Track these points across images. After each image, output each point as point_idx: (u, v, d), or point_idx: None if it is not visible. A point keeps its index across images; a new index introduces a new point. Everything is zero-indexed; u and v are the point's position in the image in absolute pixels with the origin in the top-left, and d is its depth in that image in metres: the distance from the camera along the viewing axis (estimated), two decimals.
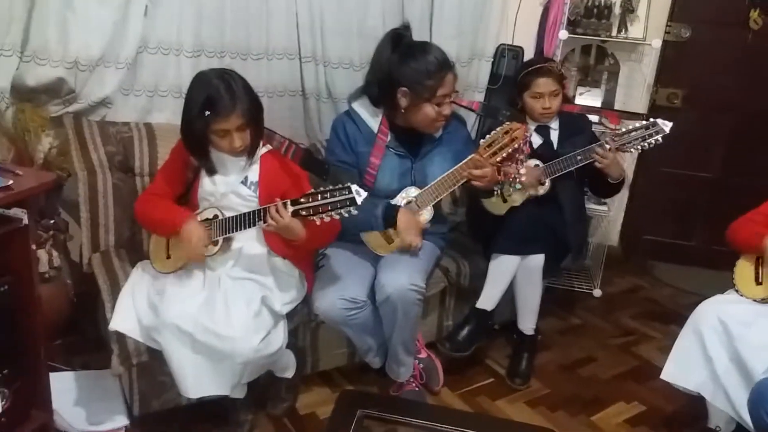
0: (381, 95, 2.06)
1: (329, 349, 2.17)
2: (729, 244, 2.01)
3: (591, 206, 3.00)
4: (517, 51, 2.99)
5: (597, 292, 3.06)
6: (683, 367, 1.89)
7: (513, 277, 2.25)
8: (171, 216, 1.78)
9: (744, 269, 1.96)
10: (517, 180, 2.16)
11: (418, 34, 2.77)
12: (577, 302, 2.99)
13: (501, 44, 3.00)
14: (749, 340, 1.74)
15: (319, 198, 1.62)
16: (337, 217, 1.62)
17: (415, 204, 2.07)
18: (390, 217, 1.98)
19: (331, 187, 1.63)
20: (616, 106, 3.11)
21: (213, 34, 2.40)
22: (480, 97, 3.04)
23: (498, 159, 2.02)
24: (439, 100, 1.99)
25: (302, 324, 2.03)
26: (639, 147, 2.14)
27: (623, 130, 2.15)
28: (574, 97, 3.00)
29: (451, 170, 2.06)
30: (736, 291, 1.93)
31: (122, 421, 1.88)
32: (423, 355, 2.21)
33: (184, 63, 2.36)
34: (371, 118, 2.10)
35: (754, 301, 1.87)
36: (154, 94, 2.37)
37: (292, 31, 2.56)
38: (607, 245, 3.21)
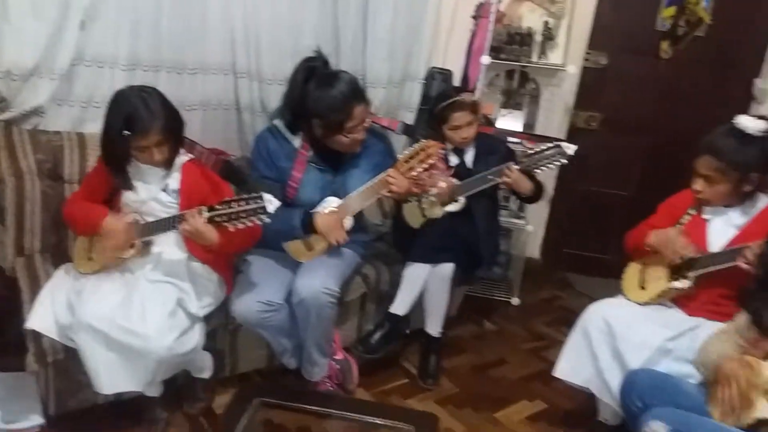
0: (295, 122, 2.17)
1: (248, 351, 2.26)
2: (625, 250, 2.21)
3: (510, 220, 3.20)
4: (446, 74, 3.16)
5: (515, 301, 3.24)
6: (573, 364, 2.06)
7: (424, 285, 2.40)
8: (94, 213, 1.87)
9: (631, 275, 2.16)
10: (433, 192, 2.32)
11: (351, 56, 2.95)
12: (496, 310, 3.16)
13: (432, 67, 3.17)
14: (629, 339, 1.91)
15: (233, 206, 1.74)
16: (250, 224, 1.74)
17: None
18: (308, 223, 2.10)
19: (244, 195, 1.75)
20: (538, 128, 3.31)
21: (149, 49, 2.48)
22: (411, 116, 3.21)
23: (414, 173, 2.17)
24: (349, 130, 2.10)
25: (221, 327, 2.13)
26: (545, 167, 2.31)
27: (530, 152, 2.33)
28: (496, 119, 3.19)
29: (370, 183, 2.19)
30: (623, 295, 2.12)
31: (37, 420, 1.92)
32: (339, 356, 2.32)
33: (119, 76, 2.43)
34: (292, 135, 2.21)
35: (638, 304, 2.06)
36: (88, 105, 2.44)
37: (228, 48, 2.68)
38: (527, 258, 3.41)
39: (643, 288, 2.09)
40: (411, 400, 2.33)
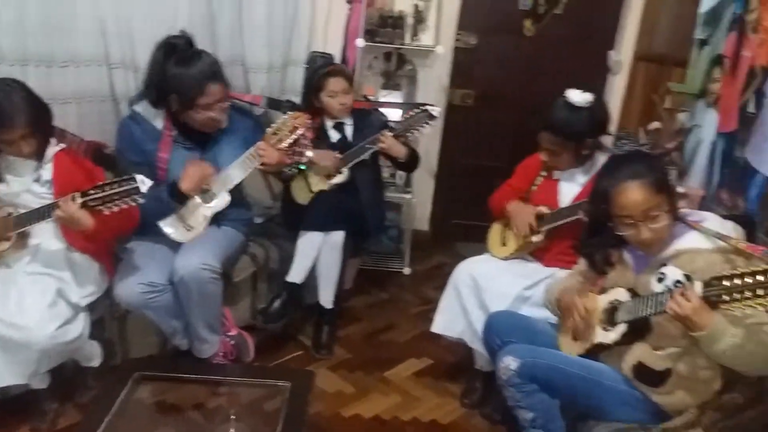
0: (157, 98, 2.20)
1: (139, 338, 2.29)
2: (490, 211, 2.43)
3: (397, 195, 3.38)
4: (327, 57, 3.25)
5: (407, 270, 3.43)
6: (447, 319, 2.26)
7: (318, 254, 2.51)
8: None
9: (494, 234, 2.38)
10: (304, 162, 2.42)
11: (230, 44, 2.99)
12: (388, 280, 3.33)
13: (312, 51, 3.27)
14: (493, 290, 2.13)
15: (106, 189, 1.77)
16: (125, 206, 1.78)
17: (210, 191, 2.24)
18: (177, 192, 2.13)
19: (116, 179, 1.78)
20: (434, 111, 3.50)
21: (13, 43, 2.42)
22: (298, 100, 3.29)
23: (283, 145, 2.26)
24: (204, 107, 2.14)
25: (107, 315, 2.15)
26: (416, 131, 2.52)
27: (401, 119, 2.50)
28: (377, 100, 3.34)
29: (241, 157, 2.26)
30: (489, 252, 2.34)
31: None
32: (233, 332, 2.39)
33: None
34: (154, 117, 2.23)
35: (500, 259, 2.28)
36: None
37: (99, 39, 2.65)
38: (417, 230, 3.61)
39: (504, 245, 2.31)
40: (306, 368, 2.44)
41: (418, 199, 3.51)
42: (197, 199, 2.24)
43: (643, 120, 3.12)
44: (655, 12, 3.35)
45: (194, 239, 2.21)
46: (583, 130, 2.09)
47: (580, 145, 2.12)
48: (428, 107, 2.48)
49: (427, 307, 3.04)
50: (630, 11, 3.48)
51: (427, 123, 2.48)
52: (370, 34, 3.16)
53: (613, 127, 3.51)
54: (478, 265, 2.24)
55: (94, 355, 2.11)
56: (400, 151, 2.53)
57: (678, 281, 1.51)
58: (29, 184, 1.94)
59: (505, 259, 2.27)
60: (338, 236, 2.49)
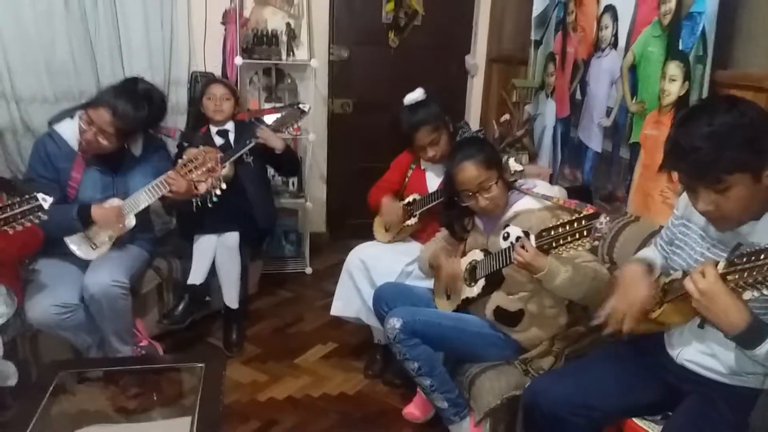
0: None
1: (52, 355, 2.35)
2: (369, 205, 2.72)
3: (291, 200, 3.62)
4: (208, 76, 3.45)
5: (308, 270, 3.67)
6: (344, 301, 2.53)
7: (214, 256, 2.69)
8: None
9: (378, 222, 2.68)
10: (216, 193, 2.60)
11: (111, 70, 3.11)
12: (292, 281, 3.55)
13: (194, 71, 3.45)
14: (380, 270, 2.42)
15: (8, 210, 1.87)
16: (28, 224, 1.88)
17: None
18: (86, 216, 2.26)
19: (18, 198, 1.89)
20: (302, 119, 3.74)
21: None
22: (183, 119, 3.45)
23: (193, 176, 2.43)
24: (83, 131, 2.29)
25: (19, 336, 2.22)
26: (290, 126, 2.80)
27: (276, 116, 2.77)
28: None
29: (151, 183, 2.41)
30: (375, 239, 2.63)
31: None
32: (144, 343, 2.52)
33: None
34: (73, 138, 2.35)
35: (384, 243, 2.58)
36: None
37: None
38: (316, 233, 3.88)
39: (387, 230, 2.61)
40: None
41: (313, 203, 3.75)
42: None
43: (499, 114, 3.55)
44: (500, 18, 3.82)
45: (100, 258, 2.33)
46: (441, 112, 2.43)
47: (446, 126, 2.46)
48: (299, 104, 2.77)
49: (330, 300, 3.23)
50: (480, 19, 3.93)
51: (300, 118, 2.76)
52: (247, 52, 3.38)
53: (475, 122, 3.98)
54: (365, 249, 2.53)
55: (9, 375, 2.15)
56: (276, 142, 2.74)
57: (518, 237, 1.86)
58: None
59: (389, 242, 2.58)
60: (232, 237, 2.67)
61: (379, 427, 2.27)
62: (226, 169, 2.68)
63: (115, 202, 2.38)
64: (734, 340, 1.30)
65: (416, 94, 2.50)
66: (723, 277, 1.26)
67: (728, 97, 1.68)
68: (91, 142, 2.28)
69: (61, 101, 2.94)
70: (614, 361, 1.64)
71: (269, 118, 2.93)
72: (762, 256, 1.20)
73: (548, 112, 3.17)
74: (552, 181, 3.06)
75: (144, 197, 2.39)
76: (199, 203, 2.60)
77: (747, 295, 1.24)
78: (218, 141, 2.83)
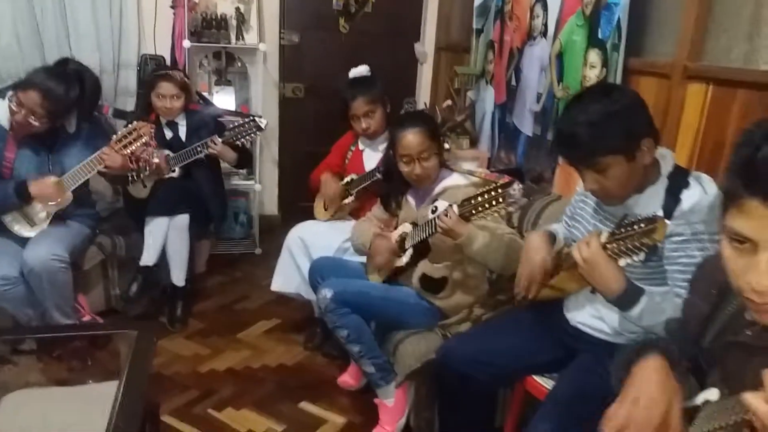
0: None
1: None
2: (310, 186, 2.81)
3: (241, 182, 3.69)
4: (158, 59, 3.49)
5: (258, 251, 3.74)
6: (284, 278, 2.61)
7: (165, 236, 2.76)
8: None
9: (318, 202, 2.78)
10: (151, 167, 2.66)
11: (57, 51, 3.12)
12: (242, 261, 3.63)
13: (144, 54, 3.48)
14: (318, 246, 2.51)
15: None
16: None
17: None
18: (23, 191, 2.31)
19: None
20: (253, 102, 3.82)
21: None
22: (132, 101, 3.48)
23: (128, 151, 2.49)
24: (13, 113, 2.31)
25: None
26: (245, 139, 2.79)
27: (231, 126, 2.80)
28: (211, 96, 3.61)
29: (87, 160, 2.46)
30: (315, 217, 2.73)
31: None
32: (87, 318, 2.58)
33: None
34: (4, 118, 2.36)
35: (323, 221, 2.68)
36: None
37: None
38: (267, 215, 3.96)
39: (326, 209, 2.71)
40: (162, 340, 2.67)
41: (265, 186, 3.82)
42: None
43: (446, 100, 3.67)
44: (449, 7, 3.93)
45: (39, 234, 2.38)
46: (377, 89, 2.55)
47: (383, 101, 2.57)
48: (256, 118, 2.77)
49: None
50: (429, 8, 4.04)
51: (255, 133, 2.79)
52: (196, 36, 3.42)
53: (425, 108, 4.09)
54: (305, 228, 2.62)
55: None
56: (230, 156, 2.84)
57: (445, 210, 1.98)
58: None
59: (327, 220, 2.68)
60: (183, 219, 2.75)
61: (314, 395, 2.37)
62: (174, 173, 2.75)
63: (52, 178, 2.41)
64: (613, 303, 1.43)
65: (361, 69, 2.63)
66: (604, 246, 1.39)
67: (605, 85, 1.82)
68: (22, 124, 2.30)
69: (6, 82, 2.95)
70: (516, 324, 1.77)
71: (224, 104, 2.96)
72: (635, 227, 1.33)
73: (488, 99, 3.30)
74: (489, 164, 3.20)
75: (80, 173, 2.44)
76: (135, 177, 2.66)
77: (622, 262, 1.37)
78: (168, 134, 2.88)
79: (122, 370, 1.68)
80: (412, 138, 2.01)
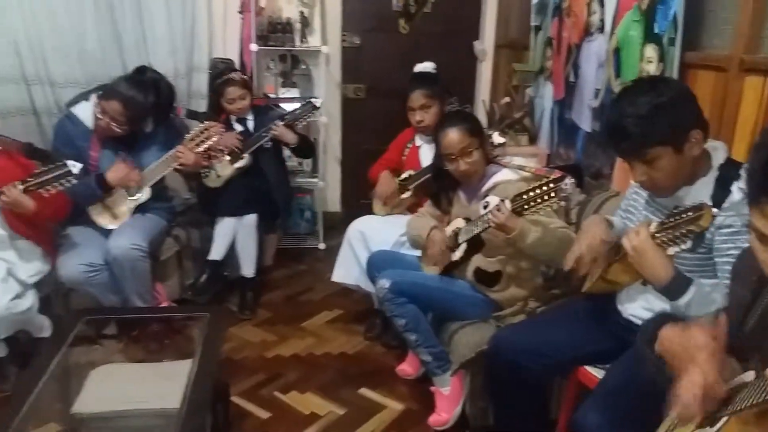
0: None
1: None
2: (370, 182, 2.92)
3: (305, 180, 3.84)
4: (228, 62, 3.67)
5: (321, 245, 3.89)
6: (344, 269, 2.74)
7: (234, 234, 2.94)
8: None
9: (377, 198, 2.88)
10: (220, 163, 2.84)
11: (136, 56, 3.34)
12: (306, 255, 3.80)
13: (214, 58, 3.68)
14: (376, 240, 2.62)
15: (42, 175, 2.14)
16: (61, 187, 2.16)
17: (135, 187, 2.64)
18: (101, 181, 2.53)
19: (51, 165, 2.16)
20: (316, 104, 3.95)
21: None
22: (204, 103, 3.69)
23: (200, 149, 2.67)
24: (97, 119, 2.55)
25: (52, 293, 2.49)
26: (304, 120, 2.99)
27: (290, 111, 2.97)
28: (277, 97, 3.78)
29: (162, 158, 2.66)
30: (374, 212, 2.84)
31: None
32: (164, 304, 2.78)
33: None
34: (88, 119, 2.61)
35: (382, 216, 2.78)
36: None
37: (14, 57, 2.97)
38: (330, 211, 4.13)
39: (384, 204, 2.81)
40: (233, 328, 2.86)
41: (328, 183, 3.96)
42: (123, 192, 2.63)
43: (504, 97, 3.70)
44: (507, 5, 3.96)
45: (121, 225, 2.59)
46: (438, 86, 2.65)
47: (442, 99, 2.65)
48: (312, 100, 2.98)
49: None
50: (488, 6, 4.07)
51: (312, 112, 2.96)
52: (263, 39, 3.60)
53: (483, 105, 4.13)
54: (364, 222, 2.74)
55: (44, 327, 2.43)
56: (290, 137, 2.99)
57: (497, 205, 2.04)
58: None
59: (386, 215, 2.78)
60: (251, 218, 2.94)
61: (374, 382, 2.48)
62: (244, 161, 2.92)
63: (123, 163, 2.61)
64: (661, 292, 1.46)
65: (426, 64, 2.74)
66: (653, 235, 1.42)
67: (652, 77, 1.83)
68: (105, 129, 2.54)
69: (91, 85, 3.20)
70: (569, 315, 1.81)
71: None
72: (682, 215, 1.36)
73: (546, 95, 3.31)
74: (548, 161, 3.21)
75: (157, 170, 2.64)
76: (207, 174, 2.84)
77: (671, 250, 1.40)
78: (238, 128, 3.07)
79: (196, 350, 1.83)
80: (452, 136, 2.08)
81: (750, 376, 1.00)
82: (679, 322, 1.19)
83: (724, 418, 0.99)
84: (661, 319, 1.26)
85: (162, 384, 1.80)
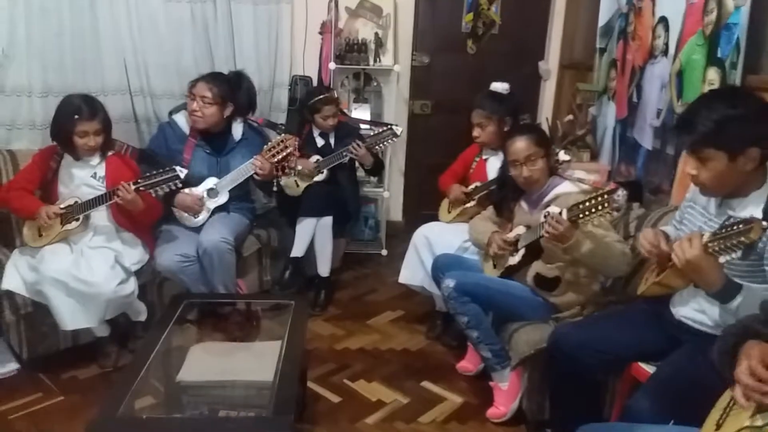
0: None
1: None
2: (439, 188, 3.12)
3: (372, 190, 4.07)
4: (307, 80, 3.97)
5: (384, 252, 4.10)
6: (410, 271, 2.93)
7: (314, 235, 3.19)
8: (26, 204, 2.53)
9: (444, 205, 3.08)
10: (293, 173, 3.09)
11: (226, 71, 3.66)
12: (370, 260, 4.01)
13: (294, 75, 3.98)
14: (441, 245, 2.80)
15: (154, 177, 2.45)
16: (167, 189, 2.46)
17: (216, 189, 2.92)
18: (170, 198, 2.78)
19: (161, 170, 2.46)
20: (385, 117, 4.20)
21: (57, 78, 3.10)
22: (283, 116, 3.99)
23: (275, 160, 2.90)
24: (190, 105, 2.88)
25: (148, 282, 2.79)
26: (383, 144, 3.20)
27: (371, 134, 3.19)
28: (350, 112, 4.04)
29: (242, 165, 2.93)
30: (439, 219, 3.03)
31: (13, 365, 2.53)
32: None
33: (35, 102, 3.05)
34: (186, 125, 2.94)
35: (447, 222, 2.97)
36: (12, 127, 3.03)
37: (122, 71, 3.34)
38: (393, 221, 4.34)
39: (449, 212, 3.00)
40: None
41: (392, 193, 4.18)
42: (204, 196, 2.91)
43: (567, 115, 3.83)
44: (572, 27, 4.10)
45: (211, 220, 2.89)
46: (502, 107, 2.81)
47: (500, 119, 2.83)
48: (393, 127, 3.19)
49: None
50: (553, 28, 4.23)
51: (392, 139, 3.18)
52: (339, 58, 3.86)
53: (546, 122, 4.27)
54: (430, 228, 2.93)
55: (141, 312, 2.72)
56: (368, 159, 3.25)
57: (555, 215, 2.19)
58: (87, 179, 2.60)
59: (450, 222, 2.97)
60: (328, 220, 3.21)
61: (435, 376, 2.65)
62: (322, 176, 3.20)
63: (212, 181, 2.92)
64: (713, 297, 1.59)
65: (499, 85, 2.92)
66: (705, 245, 1.55)
67: (736, 88, 1.94)
68: (196, 110, 2.84)
69: (186, 97, 3.54)
70: (626, 316, 1.95)
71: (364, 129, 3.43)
72: (734, 227, 1.49)
73: (609, 114, 3.43)
74: (609, 177, 3.32)
75: (236, 176, 2.91)
76: (280, 183, 3.12)
77: (722, 259, 1.53)
78: (320, 142, 3.34)
79: (285, 331, 2.06)
80: (519, 144, 2.26)
81: None
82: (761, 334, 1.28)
83: None
84: (743, 332, 1.34)
85: (255, 360, 2.03)
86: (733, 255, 1.50)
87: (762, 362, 1.19)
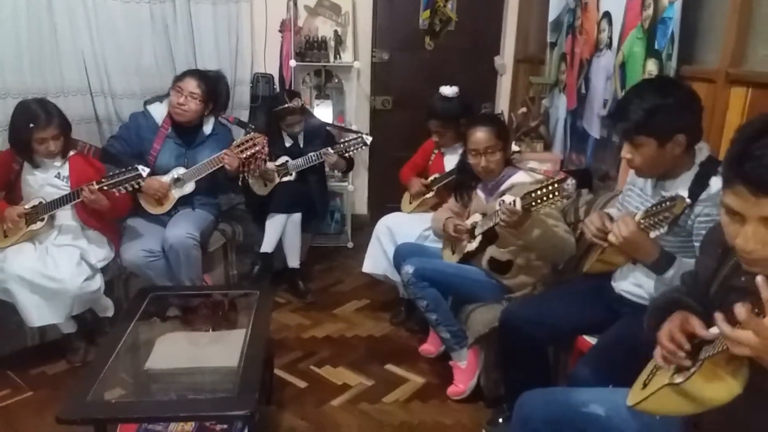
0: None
1: None
2: (400, 180, 3.23)
3: (337, 184, 4.15)
4: (268, 77, 4.03)
5: (350, 244, 4.19)
6: (373, 261, 3.03)
7: (283, 229, 3.27)
8: None
9: (405, 198, 3.18)
10: (257, 171, 3.15)
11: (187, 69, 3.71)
12: (336, 253, 4.11)
13: (256, 72, 4.03)
14: (402, 234, 2.91)
15: (117, 177, 2.48)
16: (130, 188, 2.49)
17: (182, 179, 2.98)
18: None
19: (124, 169, 2.50)
20: (347, 114, 4.28)
21: (14, 80, 3.09)
22: (246, 114, 4.03)
23: (243, 156, 2.98)
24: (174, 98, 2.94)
25: (115, 277, 2.83)
26: (353, 151, 3.28)
27: (342, 141, 3.28)
28: (312, 108, 4.11)
29: (210, 158, 2.99)
30: (400, 210, 3.14)
31: None
32: None
33: None
34: (159, 117, 3.00)
35: (408, 213, 3.08)
36: None
37: (81, 72, 3.34)
38: (358, 214, 4.43)
39: (411, 203, 3.11)
40: (273, 313, 3.12)
41: (356, 187, 4.26)
42: (171, 183, 2.97)
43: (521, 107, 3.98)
44: (526, 23, 4.24)
45: (176, 216, 2.95)
46: (456, 114, 2.91)
47: (457, 124, 2.94)
48: (363, 136, 3.28)
49: None
50: (508, 24, 4.37)
51: (362, 147, 3.27)
52: (300, 56, 3.94)
53: (502, 115, 4.41)
54: (391, 218, 3.04)
55: (108, 308, 2.76)
56: (340, 165, 3.37)
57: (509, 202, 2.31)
58: (51, 180, 2.62)
59: (411, 212, 3.07)
60: (297, 216, 3.29)
61: (398, 359, 2.76)
62: (291, 177, 3.28)
63: (180, 170, 2.97)
64: (649, 268, 1.72)
65: (449, 90, 3.00)
66: (639, 222, 1.69)
67: (667, 79, 2.09)
68: (182, 104, 2.90)
69: (146, 97, 3.57)
70: (569, 291, 2.09)
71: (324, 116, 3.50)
72: (661, 204, 1.63)
73: (561, 106, 3.58)
74: (562, 165, 3.47)
75: (202, 168, 2.96)
76: (247, 178, 3.17)
77: (652, 234, 1.66)
78: (287, 142, 3.41)
79: (249, 319, 2.13)
80: (480, 135, 2.37)
81: (714, 332, 1.24)
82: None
83: (698, 363, 1.22)
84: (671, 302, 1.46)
85: (220, 347, 2.10)
86: (662, 230, 1.63)
87: (680, 328, 1.31)
